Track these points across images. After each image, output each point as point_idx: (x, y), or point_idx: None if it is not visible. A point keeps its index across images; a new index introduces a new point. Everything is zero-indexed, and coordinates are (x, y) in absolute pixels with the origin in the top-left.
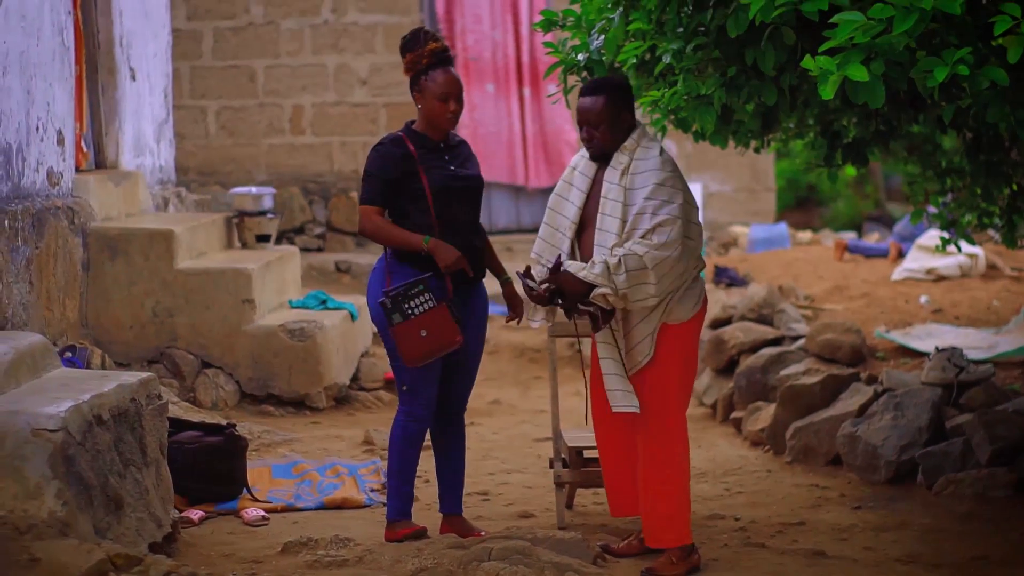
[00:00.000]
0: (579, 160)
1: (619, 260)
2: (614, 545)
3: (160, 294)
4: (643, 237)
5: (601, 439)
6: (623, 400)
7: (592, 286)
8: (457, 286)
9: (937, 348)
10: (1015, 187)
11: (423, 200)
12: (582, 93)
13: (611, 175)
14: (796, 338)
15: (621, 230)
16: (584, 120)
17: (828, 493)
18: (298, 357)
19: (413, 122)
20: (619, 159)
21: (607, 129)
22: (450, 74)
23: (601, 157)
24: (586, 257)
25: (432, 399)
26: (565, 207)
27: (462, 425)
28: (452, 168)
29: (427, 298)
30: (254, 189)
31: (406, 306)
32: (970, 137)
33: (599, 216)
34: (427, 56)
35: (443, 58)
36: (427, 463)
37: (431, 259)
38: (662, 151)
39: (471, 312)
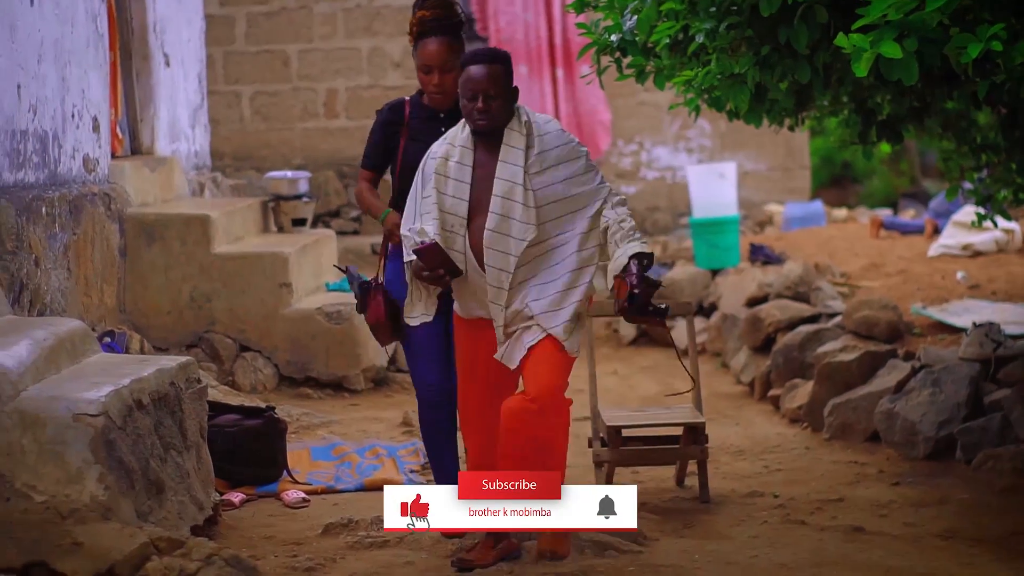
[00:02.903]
0: (447, 148)
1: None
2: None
3: (197, 279)
4: (613, 207)
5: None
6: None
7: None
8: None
9: (974, 323)
10: None
11: (394, 175)
12: (475, 61)
13: (512, 155)
14: (833, 315)
15: (526, 216)
16: (481, 89)
17: (867, 469)
18: (336, 339)
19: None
20: (513, 138)
21: (503, 101)
22: (435, 45)
23: (490, 133)
24: (475, 247)
25: (432, 381)
26: (452, 205)
27: None
28: None
29: (356, 287)
30: (289, 173)
31: (354, 296)
32: (1005, 112)
33: (498, 200)
34: (415, 25)
35: (432, 27)
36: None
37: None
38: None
39: None
